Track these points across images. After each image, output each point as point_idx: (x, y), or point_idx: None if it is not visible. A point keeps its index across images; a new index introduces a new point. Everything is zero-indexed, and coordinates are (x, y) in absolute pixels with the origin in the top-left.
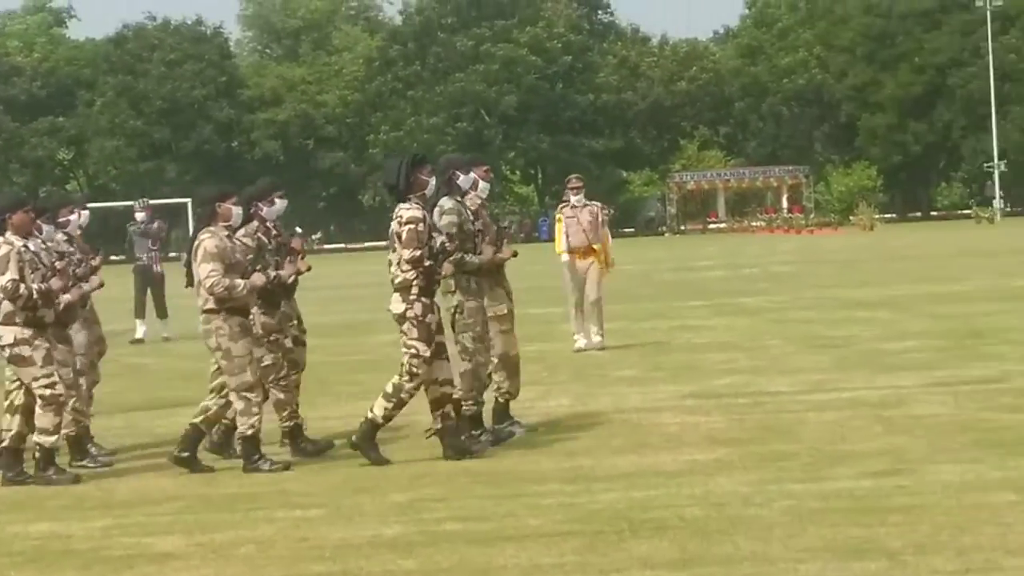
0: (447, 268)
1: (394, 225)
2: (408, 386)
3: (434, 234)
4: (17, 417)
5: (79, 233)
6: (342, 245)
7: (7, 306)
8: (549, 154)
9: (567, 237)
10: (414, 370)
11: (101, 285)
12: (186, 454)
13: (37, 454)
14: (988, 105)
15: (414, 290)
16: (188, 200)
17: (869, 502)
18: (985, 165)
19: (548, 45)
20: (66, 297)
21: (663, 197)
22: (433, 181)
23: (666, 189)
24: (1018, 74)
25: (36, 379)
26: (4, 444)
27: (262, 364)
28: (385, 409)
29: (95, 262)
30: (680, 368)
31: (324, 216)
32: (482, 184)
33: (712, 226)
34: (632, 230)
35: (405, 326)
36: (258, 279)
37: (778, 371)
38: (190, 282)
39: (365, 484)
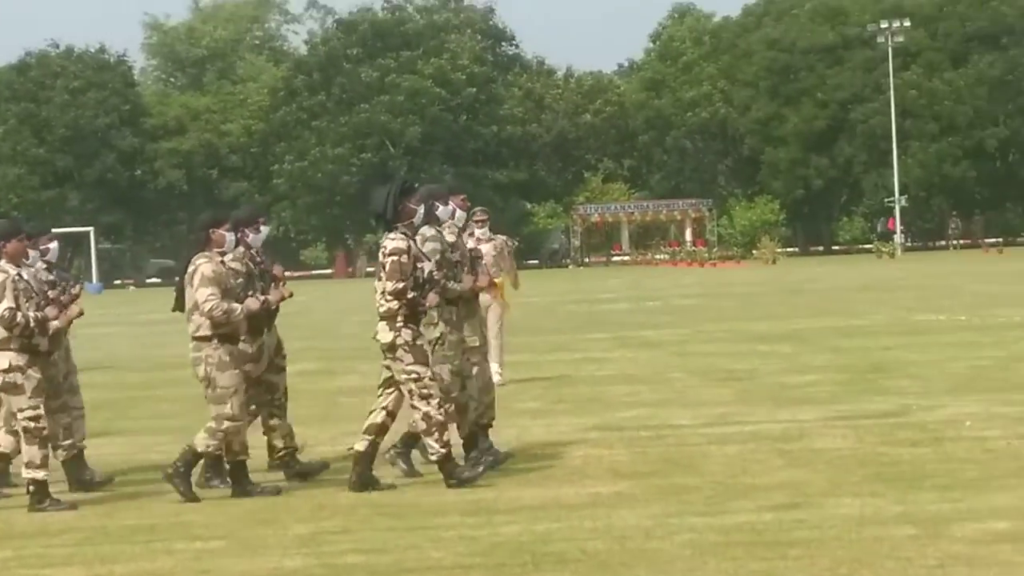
0: (432, 299)
1: (380, 256)
2: (430, 409)
3: (419, 264)
4: None
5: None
6: None
7: (2, 333)
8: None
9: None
10: (424, 392)
11: (81, 313)
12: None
13: (31, 488)
14: (889, 140)
15: (399, 319)
16: (90, 229)
17: (770, 536)
18: (886, 200)
19: (453, 77)
20: (54, 324)
21: (567, 229)
22: (421, 210)
23: (570, 221)
24: (918, 110)
25: (22, 410)
26: None
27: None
28: (436, 441)
29: (75, 290)
30: (583, 401)
31: None
32: (459, 213)
33: (616, 258)
34: (536, 262)
35: (398, 353)
36: (253, 303)
37: (681, 404)
38: (179, 307)
39: (267, 516)
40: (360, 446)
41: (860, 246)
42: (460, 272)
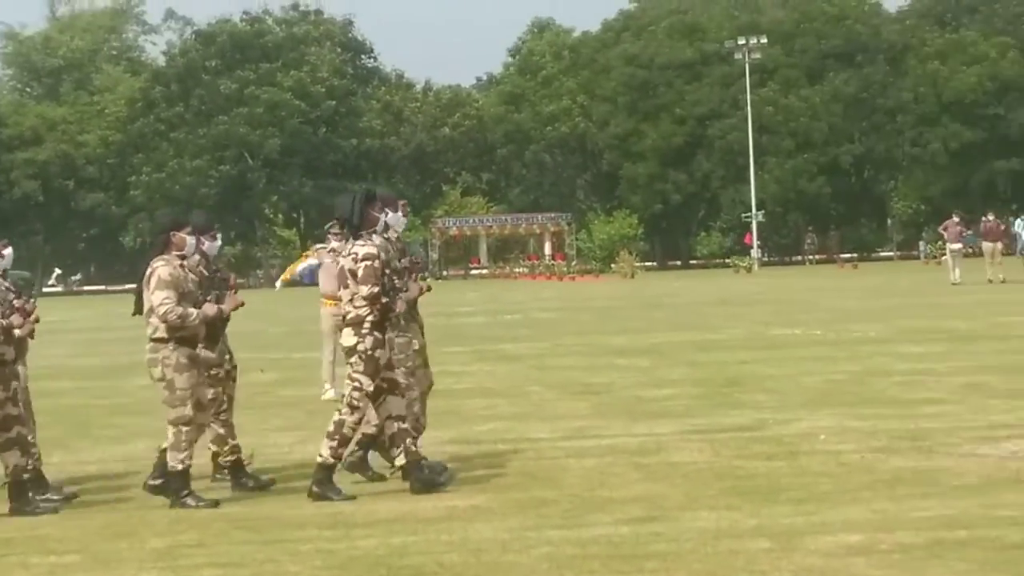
0: (401, 305)
1: (347, 261)
2: (350, 420)
3: (387, 269)
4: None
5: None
6: (102, 287)
7: None
8: (312, 198)
9: (320, 283)
10: (355, 403)
11: (37, 320)
12: (159, 482)
13: None
14: (746, 156)
15: (367, 325)
16: None
17: (626, 549)
18: (743, 215)
19: (312, 89)
20: (17, 332)
21: (426, 242)
22: (384, 217)
23: (429, 234)
24: (775, 126)
25: None
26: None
27: (206, 398)
28: (331, 448)
29: (18, 303)
30: (441, 414)
31: (84, 257)
32: (401, 220)
33: (474, 272)
34: None
35: (353, 359)
36: (210, 309)
37: (539, 417)
38: (139, 310)
39: (123, 530)
40: (399, 460)
41: (718, 260)
42: (408, 279)
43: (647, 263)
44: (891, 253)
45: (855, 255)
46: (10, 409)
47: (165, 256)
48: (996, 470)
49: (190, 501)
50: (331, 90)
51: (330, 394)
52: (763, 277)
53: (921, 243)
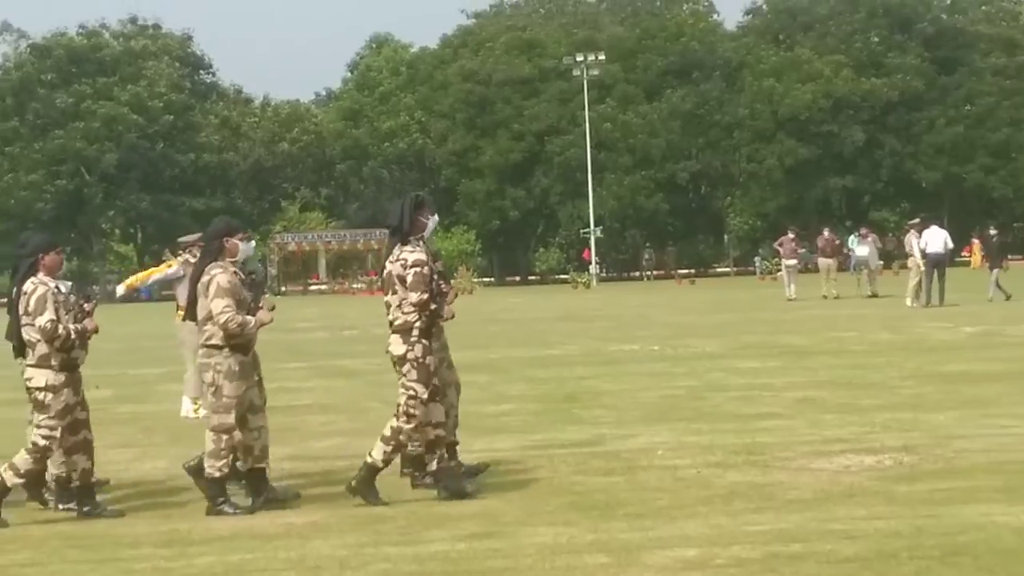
0: (448, 311)
1: (396, 267)
2: (406, 428)
3: (435, 276)
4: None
5: None
6: None
7: (42, 348)
8: (149, 213)
9: (179, 297)
10: (411, 411)
11: (96, 330)
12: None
13: None
14: (585, 172)
15: (415, 332)
16: None
17: (464, 565)
18: (582, 231)
19: (150, 104)
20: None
21: (264, 258)
22: (431, 223)
23: (267, 250)
24: (613, 142)
25: (39, 426)
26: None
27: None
28: (384, 453)
29: (88, 306)
30: (279, 430)
31: None
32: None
33: (313, 287)
34: None
35: (405, 367)
36: (265, 316)
37: (377, 434)
38: (191, 316)
39: None
40: (432, 465)
41: (556, 276)
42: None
43: (485, 279)
44: (728, 269)
45: (692, 271)
46: (79, 413)
47: (221, 263)
48: (830, 484)
49: (227, 508)
50: (169, 105)
51: (189, 411)
52: (601, 293)
53: (757, 259)
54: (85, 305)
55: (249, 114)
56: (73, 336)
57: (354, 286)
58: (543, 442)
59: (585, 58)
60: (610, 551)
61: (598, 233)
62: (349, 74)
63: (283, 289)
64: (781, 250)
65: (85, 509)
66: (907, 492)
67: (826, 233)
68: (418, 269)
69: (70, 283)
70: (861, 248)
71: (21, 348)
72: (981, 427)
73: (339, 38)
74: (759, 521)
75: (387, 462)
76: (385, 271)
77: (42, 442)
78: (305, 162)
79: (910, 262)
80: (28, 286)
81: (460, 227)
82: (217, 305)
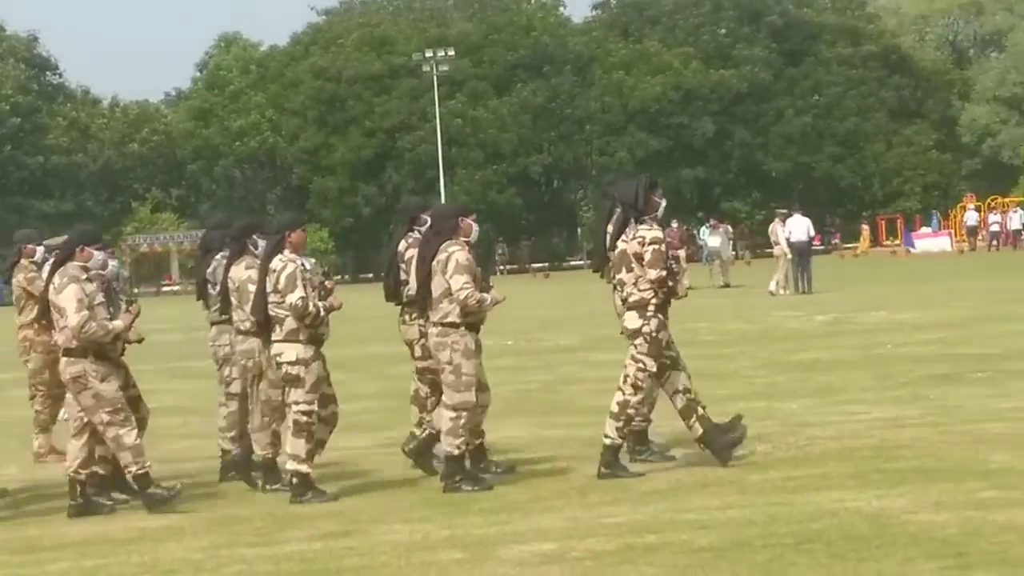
0: (682, 288)
1: (633, 245)
2: (634, 400)
3: (671, 254)
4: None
5: None
6: None
7: (290, 323)
8: None
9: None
10: (639, 383)
11: (340, 306)
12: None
13: (294, 480)
14: (436, 168)
15: (651, 308)
16: None
17: (320, 564)
18: None
19: None
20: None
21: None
22: (663, 203)
23: (119, 252)
24: (463, 138)
25: (297, 403)
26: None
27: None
28: (617, 429)
29: (329, 284)
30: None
31: None
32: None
33: (166, 288)
34: None
35: (638, 340)
36: (498, 295)
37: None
38: (426, 293)
39: None
40: (696, 432)
41: (333, 274)
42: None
43: (339, 276)
44: (582, 262)
45: (547, 265)
46: (326, 388)
47: (458, 241)
48: (684, 475)
49: (465, 486)
50: (15, 107)
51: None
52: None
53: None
54: (327, 283)
55: (98, 115)
56: (322, 313)
57: None
58: (398, 439)
59: (435, 54)
60: (465, 546)
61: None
62: (198, 73)
63: (136, 291)
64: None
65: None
66: (760, 481)
67: (673, 225)
68: (656, 247)
69: (313, 260)
70: (713, 239)
71: (266, 324)
72: (832, 414)
73: (188, 37)
74: (614, 513)
75: (623, 437)
76: (619, 249)
77: (303, 419)
78: (155, 163)
79: (776, 251)
80: (276, 263)
81: (313, 225)
82: (457, 281)
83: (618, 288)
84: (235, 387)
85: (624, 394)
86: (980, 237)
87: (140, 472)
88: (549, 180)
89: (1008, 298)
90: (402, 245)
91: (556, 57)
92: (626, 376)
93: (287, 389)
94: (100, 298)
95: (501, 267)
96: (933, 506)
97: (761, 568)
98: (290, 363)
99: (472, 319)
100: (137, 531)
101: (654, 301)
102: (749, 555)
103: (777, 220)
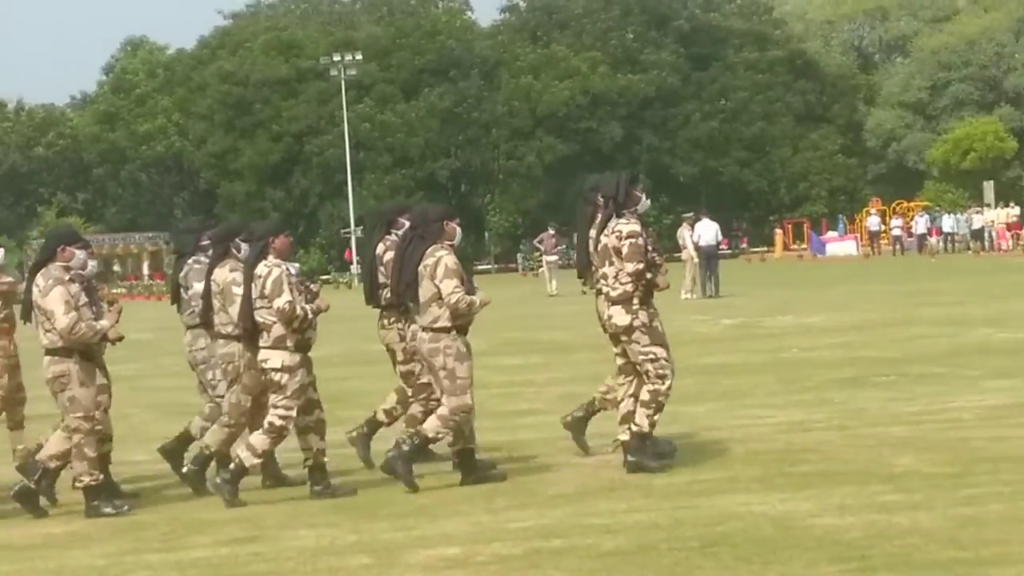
0: (663, 281)
1: (611, 239)
2: (663, 388)
3: (649, 247)
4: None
5: None
6: None
7: (278, 330)
8: None
9: None
10: (661, 372)
11: (328, 308)
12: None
13: (233, 465)
14: (344, 172)
15: (635, 301)
16: None
17: (226, 570)
18: (342, 231)
19: None
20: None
21: (21, 265)
22: (644, 198)
23: (25, 257)
24: (371, 142)
25: (276, 406)
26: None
27: (420, 380)
28: (648, 417)
29: (314, 287)
30: (36, 436)
31: None
32: (647, 204)
33: None
34: None
35: (635, 335)
36: (485, 297)
37: (136, 440)
38: (413, 298)
39: None
40: (623, 436)
41: (318, 277)
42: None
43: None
44: (489, 266)
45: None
46: (311, 393)
47: (443, 245)
48: (590, 479)
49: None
50: None
51: None
52: (362, 293)
53: (519, 255)
54: (312, 286)
55: (3, 119)
56: (310, 316)
57: (113, 290)
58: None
59: (343, 58)
60: (372, 551)
61: (359, 233)
62: (104, 77)
63: (116, 290)
64: (541, 247)
65: (317, 489)
66: (666, 484)
67: (550, 231)
68: (633, 240)
69: (298, 265)
70: None
71: (253, 330)
72: (738, 418)
73: (94, 41)
74: (521, 517)
75: (652, 425)
76: (600, 244)
77: (279, 422)
78: (61, 167)
79: (684, 255)
80: (262, 269)
81: None
82: (447, 286)
83: (601, 284)
84: (221, 389)
85: (652, 385)
86: (884, 242)
87: (93, 483)
88: (457, 184)
89: (912, 302)
90: (380, 248)
91: (463, 61)
92: (646, 373)
93: (268, 392)
94: (84, 298)
95: None
96: (838, 509)
97: (667, 571)
98: (275, 369)
99: (461, 322)
100: (42, 537)
101: (637, 294)
102: (655, 559)
103: (685, 224)
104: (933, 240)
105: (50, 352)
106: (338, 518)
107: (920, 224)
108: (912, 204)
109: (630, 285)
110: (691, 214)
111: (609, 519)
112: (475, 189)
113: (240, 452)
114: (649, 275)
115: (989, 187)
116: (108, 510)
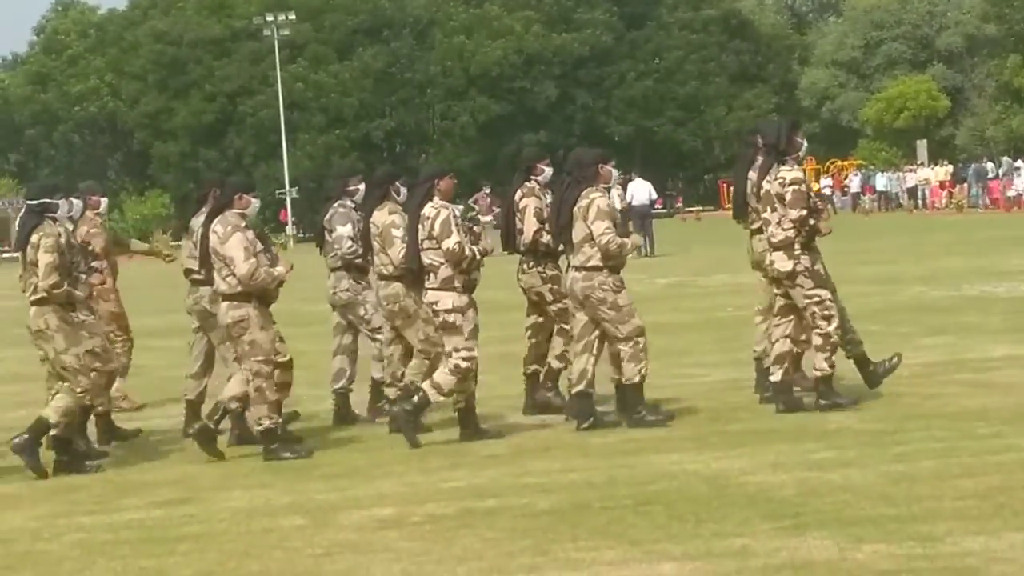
0: (825, 227)
1: (775, 186)
2: (831, 328)
3: (811, 194)
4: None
5: None
6: None
7: (445, 271)
8: None
9: None
10: (828, 312)
11: (492, 251)
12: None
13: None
14: (279, 133)
15: (796, 247)
16: None
17: (159, 532)
18: (277, 192)
19: None
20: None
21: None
22: (805, 143)
23: None
24: (305, 102)
25: (458, 349)
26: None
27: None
28: (827, 360)
29: (478, 229)
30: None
31: None
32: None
33: (6, 255)
34: None
35: (799, 279)
36: (638, 240)
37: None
38: (568, 240)
39: None
40: (776, 376)
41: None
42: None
43: (179, 242)
44: None
45: None
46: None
47: (598, 187)
48: (526, 439)
49: (648, 417)
50: None
51: None
52: (299, 254)
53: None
54: (475, 228)
55: None
56: (478, 257)
57: None
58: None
59: (276, 18)
60: (306, 512)
61: (294, 194)
62: (36, 38)
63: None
64: (476, 207)
65: (465, 432)
66: (601, 444)
67: (485, 190)
68: (796, 187)
69: (462, 207)
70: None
71: (420, 271)
72: (674, 376)
73: (24, 2)
74: (454, 478)
75: (832, 366)
76: (763, 189)
77: (464, 364)
78: None
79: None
80: (429, 211)
81: (155, 190)
82: (599, 227)
83: (763, 229)
84: (376, 322)
85: (821, 328)
86: None
87: (272, 427)
88: (392, 145)
89: (845, 260)
90: (518, 195)
91: (396, 21)
92: (812, 315)
93: (442, 336)
94: (259, 245)
95: None
96: (771, 467)
97: (600, 530)
98: (447, 311)
99: (613, 263)
100: None
101: (798, 240)
102: (589, 517)
103: (616, 184)
104: (867, 199)
105: (228, 297)
106: (272, 479)
107: (854, 183)
108: (846, 163)
109: (792, 231)
110: (625, 174)
111: (544, 478)
112: (410, 149)
113: (425, 386)
114: (812, 221)
115: (922, 146)
116: (287, 455)
